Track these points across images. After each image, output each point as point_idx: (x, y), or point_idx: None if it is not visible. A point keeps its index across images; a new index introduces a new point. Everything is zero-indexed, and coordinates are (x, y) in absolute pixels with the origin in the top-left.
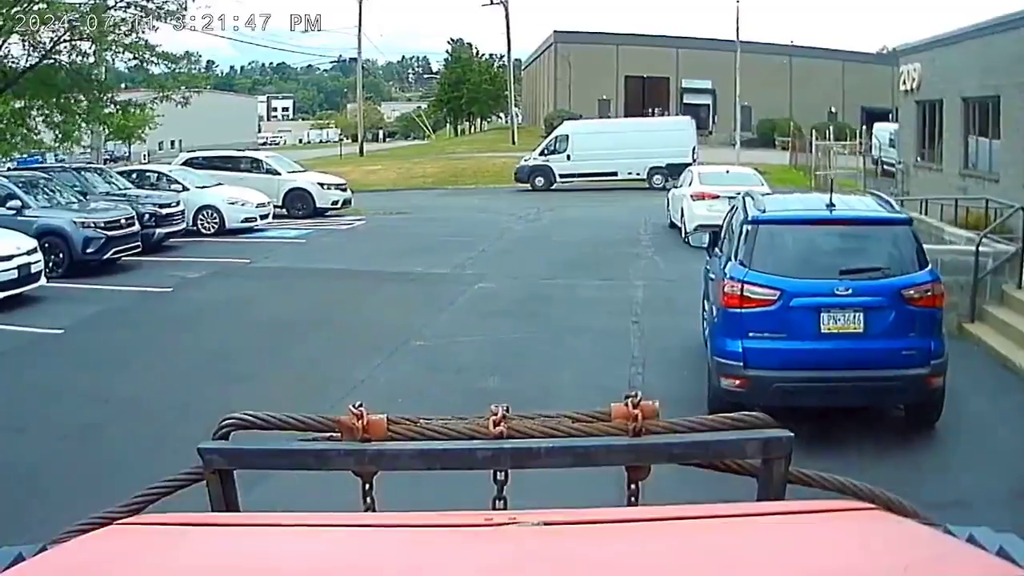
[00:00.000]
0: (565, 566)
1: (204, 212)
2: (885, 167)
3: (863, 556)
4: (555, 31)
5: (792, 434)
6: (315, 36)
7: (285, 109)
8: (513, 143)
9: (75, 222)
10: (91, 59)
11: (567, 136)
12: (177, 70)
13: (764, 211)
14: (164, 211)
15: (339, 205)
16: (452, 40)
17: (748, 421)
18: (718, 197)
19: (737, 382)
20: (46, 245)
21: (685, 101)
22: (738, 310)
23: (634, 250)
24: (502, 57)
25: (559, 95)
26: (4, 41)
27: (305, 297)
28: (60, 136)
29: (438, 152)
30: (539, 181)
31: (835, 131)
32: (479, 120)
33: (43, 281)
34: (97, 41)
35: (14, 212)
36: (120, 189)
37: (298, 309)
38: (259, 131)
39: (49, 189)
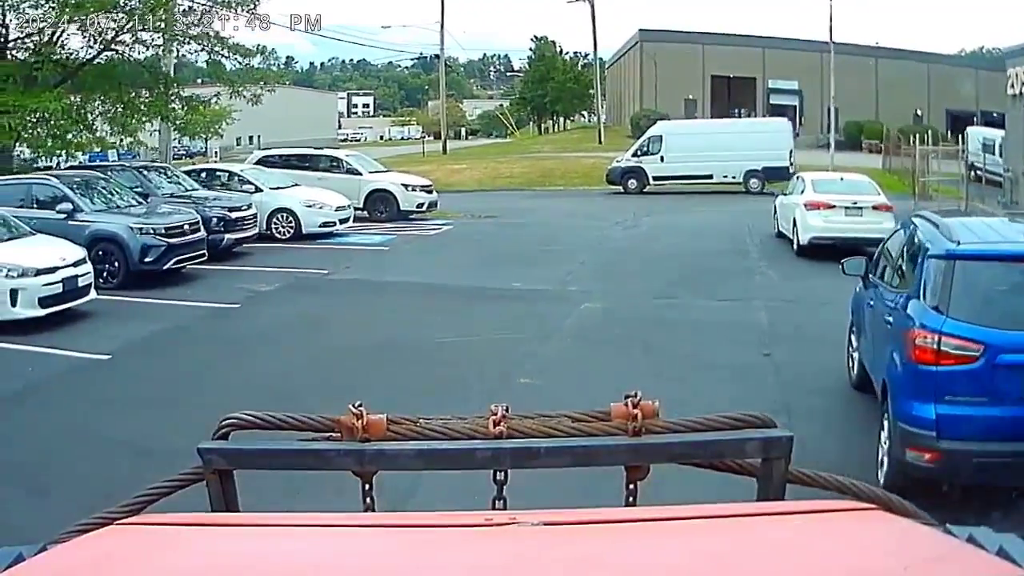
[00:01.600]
0: (565, 566)
1: (279, 215)
2: (979, 173)
3: (863, 556)
4: (640, 29)
5: (792, 434)
6: (397, 32)
7: (366, 106)
8: (599, 143)
9: (132, 228)
10: (156, 51)
11: (660, 137)
12: (249, 64)
13: (959, 243)
14: (234, 215)
15: (424, 208)
16: (536, 38)
17: (748, 421)
18: (834, 207)
19: (927, 456)
20: (99, 253)
21: (771, 102)
22: (932, 368)
23: (744, 263)
24: (586, 55)
25: (645, 94)
26: (62, 32)
27: (388, 318)
28: (118, 132)
29: (523, 151)
30: (631, 183)
31: (923, 134)
32: (562, 119)
33: (93, 295)
34: (163, 31)
35: (64, 216)
36: (186, 190)
37: (379, 333)
38: (339, 127)
39: (105, 190)
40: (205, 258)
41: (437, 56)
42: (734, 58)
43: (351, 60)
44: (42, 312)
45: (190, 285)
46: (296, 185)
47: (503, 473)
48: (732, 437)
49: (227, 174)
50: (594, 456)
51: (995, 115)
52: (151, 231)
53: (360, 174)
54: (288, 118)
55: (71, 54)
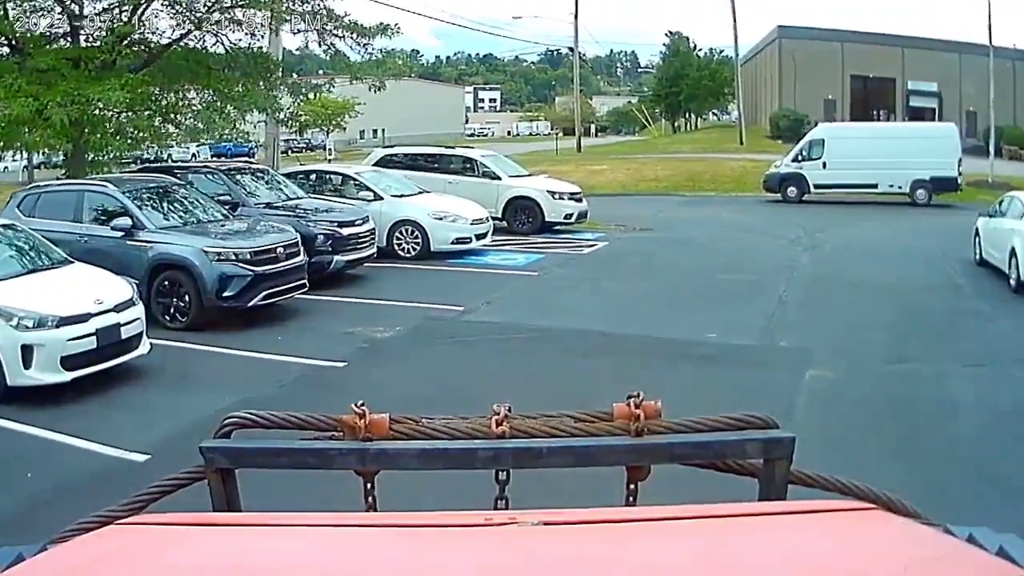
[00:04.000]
0: (565, 566)
1: (402, 229)
2: None
3: (863, 556)
4: (779, 26)
5: (793, 435)
6: (525, 26)
7: (492, 100)
8: (740, 143)
9: (207, 251)
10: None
11: (822, 141)
12: (369, 45)
13: None
14: (345, 231)
15: (572, 219)
16: (670, 33)
17: (749, 421)
18: None
19: None
20: (165, 284)
21: (911, 104)
22: None
23: (962, 304)
24: (721, 51)
25: (783, 93)
26: (146, 8)
27: (546, 392)
28: (213, 125)
29: (661, 150)
30: (791, 191)
31: None
32: (695, 117)
33: (145, 348)
34: (263, 5)
35: (122, 235)
36: (288, 199)
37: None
38: (466, 122)
39: (182, 201)
40: (305, 288)
41: (571, 49)
42: (873, 57)
43: (477, 54)
44: (67, 376)
45: (284, 326)
46: (423, 192)
47: (505, 473)
48: (734, 438)
49: (341, 178)
50: (596, 456)
51: None
52: (232, 256)
53: (499, 179)
54: (413, 112)
55: (155, 35)
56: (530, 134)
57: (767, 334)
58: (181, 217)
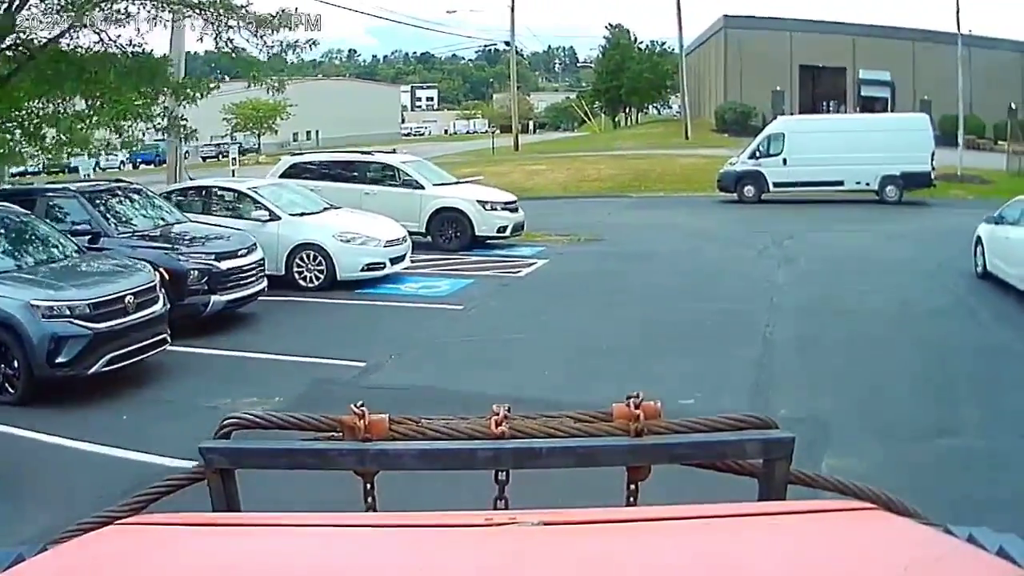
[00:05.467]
0: (565, 566)
1: (304, 254)
2: None
3: (863, 556)
4: (724, 15)
5: (793, 435)
6: (462, 23)
7: (429, 99)
8: (686, 138)
9: (34, 306)
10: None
11: (782, 135)
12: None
13: None
14: (224, 264)
15: (507, 232)
16: (610, 25)
17: (749, 422)
18: None
19: None
20: None
21: (862, 94)
22: None
23: (988, 335)
24: (663, 44)
25: (729, 85)
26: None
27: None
28: (69, 139)
29: (603, 147)
30: (748, 191)
31: (1009, 129)
32: (635, 111)
33: None
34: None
35: None
36: (165, 223)
37: None
38: (402, 121)
39: (15, 238)
40: (165, 346)
41: (507, 43)
42: (823, 47)
43: (414, 53)
44: None
45: (135, 397)
46: (330, 208)
47: (504, 473)
48: (733, 438)
49: (235, 194)
50: (596, 456)
51: None
52: (66, 311)
53: (422, 187)
54: (349, 112)
55: (30, 34)
56: (467, 132)
57: (760, 395)
58: (14, 259)
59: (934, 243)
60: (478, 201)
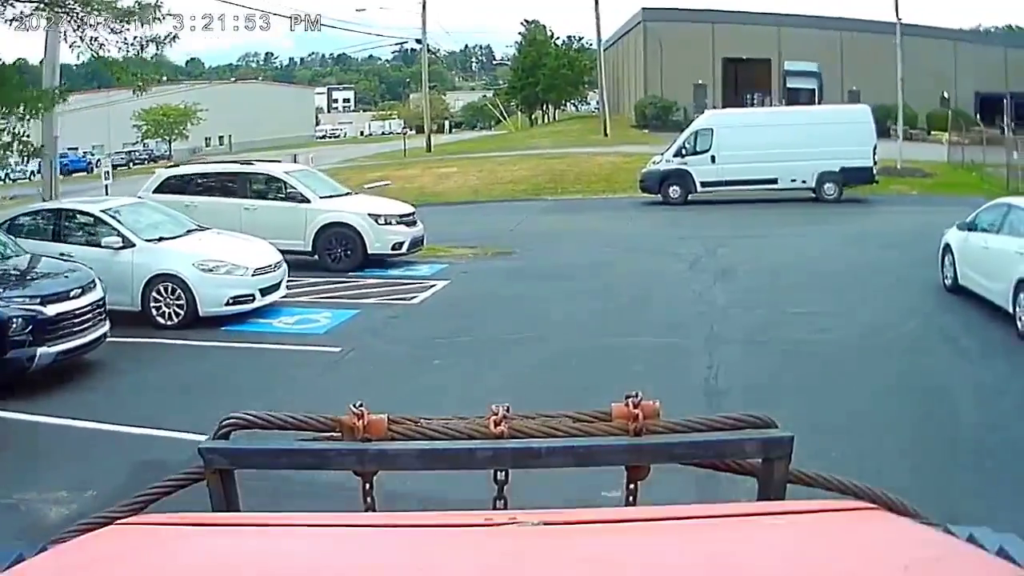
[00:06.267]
0: (565, 566)
1: (161, 287)
2: None
3: (863, 556)
4: (643, 8)
5: (792, 435)
6: (378, 20)
7: (346, 100)
8: (605, 135)
9: None
10: None
11: (711, 131)
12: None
13: None
14: (52, 309)
15: (403, 249)
16: (526, 22)
17: (748, 421)
18: None
19: None
20: None
21: (788, 86)
22: None
23: (977, 371)
24: (580, 39)
25: (649, 80)
26: None
27: None
28: None
29: (518, 146)
30: (674, 191)
31: (949, 119)
32: (552, 109)
33: None
34: None
35: None
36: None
37: None
38: (317, 124)
39: None
40: None
41: (419, 41)
42: (746, 38)
43: (331, 54)
44: None
45: None
46: (195, 231)
47: (504, 473)
48: (733, 437)
49: (89, 218)
50: (595, 456)
51: None
52: None
53: (307, 201)
54: (262, 115)
55: None
56: (384, 134)
57: (707, 491)
58: None
59: (887, 248)
60: (370, 215)
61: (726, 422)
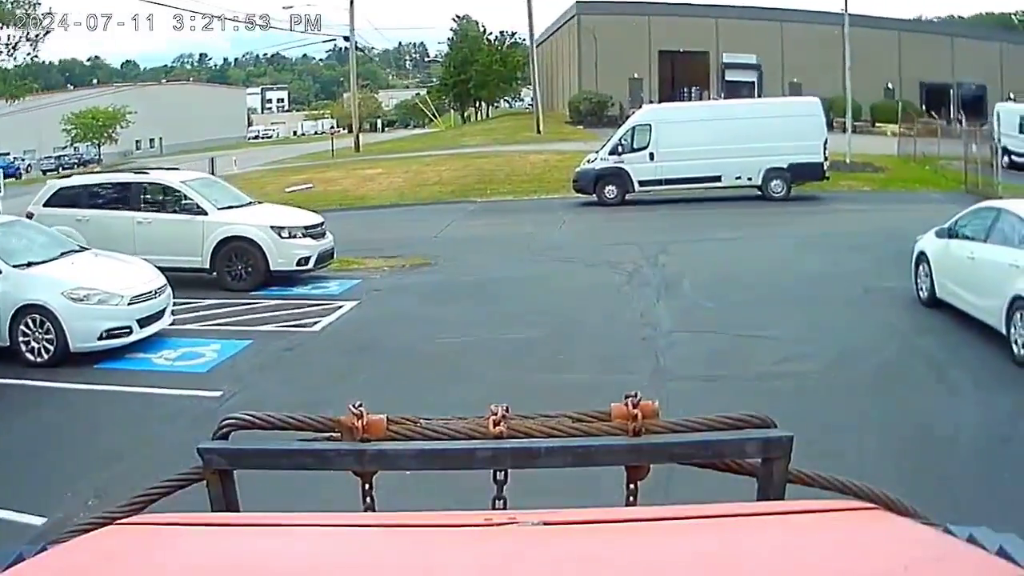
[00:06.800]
0: (565, 566)
1: (29, 319)
2: (1014, 158)
3: (863, 556)
4: (577, 1)
5: (791, 434)
6: (305, 17)
7: (280, 100)
8: (538, 132)
9: None
10: None
11: (649, 127)
12: None
13: None
14: None
15: (310, 264)
16: (457, 17)
17: (748, 421)
18: None
19: None
20: None
21: (727, 79)
22: None
23: (980, 410)
24: (513, 34)
25: (583, 74)
26: None
27: None
28: None
29: (448, 145)
30: (610, 191)
31: (900, 110)
32: (485, 105)
33: None
34: None
35: None
36: None
37: None
38: (250, 124)
39: None
40: None
41: (347, 39)
42: (684, 31)
43: (265, 54)
44: None
45: None
46: (68, 253)
47: (503, 473)
48: (732, 437)
49: None
50: (594, 456)
51: (973, 87)
52: None
53: (204, 213)
54: (194, 117)
55: None
56: (316, 133)
57: None
58: None
59: (847, 252)
60: (272, 227)
61: (725, 422)
